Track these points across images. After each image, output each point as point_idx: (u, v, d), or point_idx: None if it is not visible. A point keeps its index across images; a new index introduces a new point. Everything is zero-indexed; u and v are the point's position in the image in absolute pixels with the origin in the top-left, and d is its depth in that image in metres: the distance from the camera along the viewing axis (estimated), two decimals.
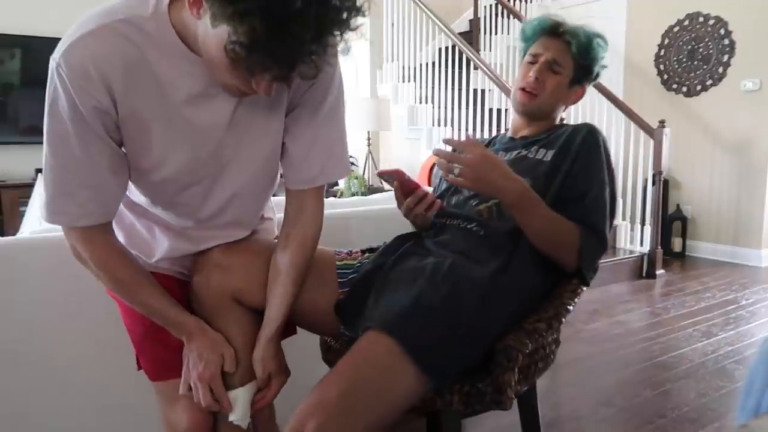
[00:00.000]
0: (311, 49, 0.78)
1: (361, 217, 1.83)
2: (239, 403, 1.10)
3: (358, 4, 0.82)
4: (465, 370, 1.07)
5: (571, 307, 1.22)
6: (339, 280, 1.23)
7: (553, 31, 1.36)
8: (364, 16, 0.83)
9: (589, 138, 1.28)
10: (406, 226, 1.45)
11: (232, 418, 1.10)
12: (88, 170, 0.94)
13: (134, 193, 1.09)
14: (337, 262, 1.26)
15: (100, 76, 0.87)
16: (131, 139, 0.96)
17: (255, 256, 1.15)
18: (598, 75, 1.40)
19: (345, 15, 0.80)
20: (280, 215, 1.29)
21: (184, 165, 1.00)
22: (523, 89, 1.37)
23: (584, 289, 1.28)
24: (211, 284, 1.11)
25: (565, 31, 1.35)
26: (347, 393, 0.96)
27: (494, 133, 1.57)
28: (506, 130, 1.49)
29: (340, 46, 0.85)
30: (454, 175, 1.14)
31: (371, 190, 4.51)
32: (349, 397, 0.96)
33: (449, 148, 1.20)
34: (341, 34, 0.81)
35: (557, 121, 1.42)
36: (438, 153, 1.19)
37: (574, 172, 1.25)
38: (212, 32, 0.80)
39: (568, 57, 1.35)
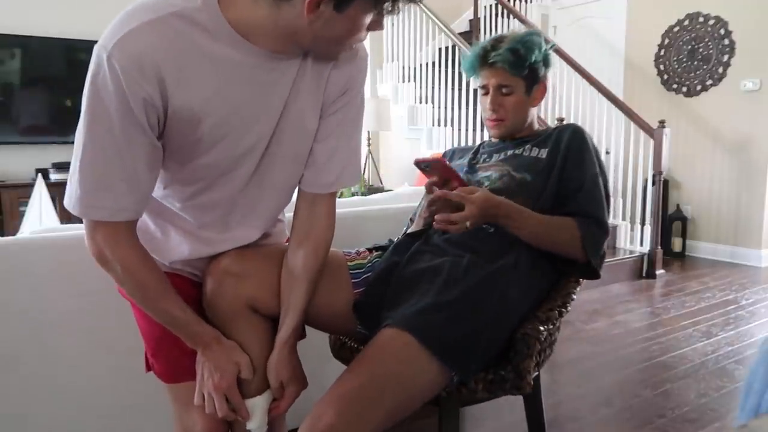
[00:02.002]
0: None
1: (361, 217, 1.83)
2: (257, 411, 1.10)
3: None
4: (487, 360, 1.13)
5: (575, 296, 1.33)
6: (353, 280, 1.25)
7: (484, 61, 1.40)
8: None
9: (575, 136, 1.36)
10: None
11: (250, 426, 1.10)
12: (127, 163, 0.92)
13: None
14: (348, 263, 1.28)
15: (154, 69, 0.87)
16: (178, 133, 0.95)
17: (268, 262, 1.15)
18: (547, 64, 1.43)
19: None
20: (290, 215, 1.29)
21: (228, 153, 1.00)
22: (488, 119, 1.44)
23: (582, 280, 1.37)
24: (225, 293, 1.11)
25: (492, 57, 1.38)
26: (366, 384, 0.99)
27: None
28: (490, 137, 1.54)
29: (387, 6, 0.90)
30: (467, 227, 1.21)
31: (371, 190, 4.51)
32: (368, 388, 0.99)
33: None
34: None
35: (537, 124, 1.48)
36: (442, 219, 1.20)
37: (567, 169, 1.33)
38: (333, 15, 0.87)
39: (509, 75, 1.39)
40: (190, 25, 0.89)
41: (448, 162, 1.31)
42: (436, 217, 1.21)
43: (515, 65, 1.37)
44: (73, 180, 0.92)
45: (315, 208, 1.13)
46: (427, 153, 4.75)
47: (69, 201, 0.94)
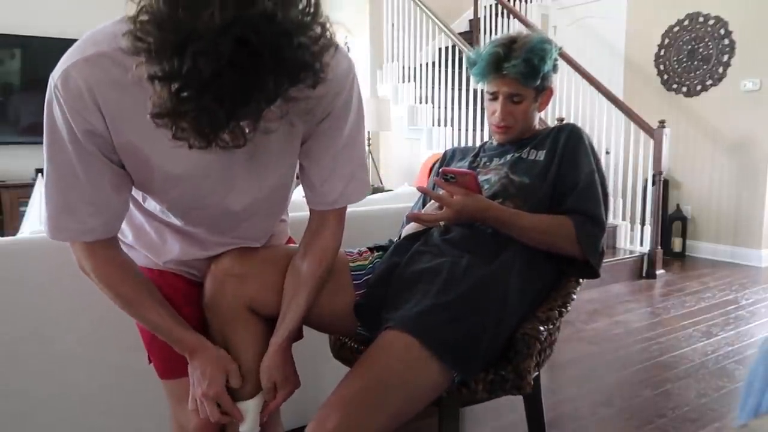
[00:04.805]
0: (231, 119, 0.69)
1: (361, 217, 1.83)
2: (249, 414, 1.10)
3: (309, 60, 0.69)
4: (488, 360, 1.13)
5: (575, 296, 1.32)
6: (354, 282, 1.25)
7: (496, 69, 1.37)
8: (321, 73, 0.71)
9: (572, 135, 1.36)
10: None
11: (242, 429, 1.10)
12: (89, 188, 0.92)
13: (145, 199, 1.08)
14: (350, 264, 1.28)
15: (94, 103, 0.86)
16: (132, 167, 0.95)
17: (270, 264, 1.15)
18: (555, 70, 1.42)
19: (284, 79, 0.69)
20: (293, 214, 1.30)
21: (188, 192, 0.99)
22: (496, 126, 1.42)
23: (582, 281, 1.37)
24: (226, 294, 1.11)
25: (506, 68, 1.34)
26: (370, 386, 1.00)
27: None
28: (491, 138, 1.54)
29: (278, 112, 0.73)
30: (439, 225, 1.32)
31: (371, 190, 4.51)
32: (371, 390, 0.99)
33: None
34: (283, 98, 0.70)
35: (537, 124, 1.47)
36: (414, 216, 1.33)
37: (563, 168, 1.33)
38: None
39: (521, 85, 1.37)
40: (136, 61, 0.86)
41: (477, 176, 1.30)
42: (407, 213, 1.32)
43: (529, 76, 1.35)
44: (44, 202, 0.95)
45: (322, 221, 1.12)
46: (428, 153, 4.75)
47: (43, 222, 0.97)
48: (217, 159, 0.95)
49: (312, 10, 0.69)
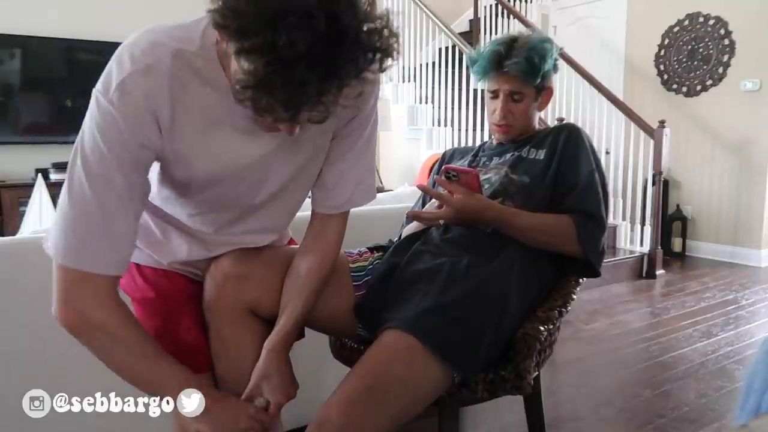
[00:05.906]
0: (319, 93, 0.74)
1: (362, 217, 1.83)
2: None
3: (381, 45, 0.76)
4: (488, 360, 1.13)
5: (575, 296, 1.32)
6: (354, 283, 1.25)
7: (498, 67, 1.38)
8: (391, 57, 0.78)
9: (571, 135, 1.37)
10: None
11: None
12: (120, 212, 0.90)
13: (153, 197, 1.07)
14: (350, 265, 1.28)
15: (152, 113, 0.87)
16: (170, 175, 0.96)
17: (271, 265, 1.14)
18: (555, 70, 1.43)
19: (362, 59, 0.75)
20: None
21: (223, 194, 1.01)
22: (497, 124, 1.43)
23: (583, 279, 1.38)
24: (227, 296, 1.10)
25: (508, 65, 1.35)
26: (372, 387, 0.99)
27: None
28: (490, 138, 1.55)
29: (357, 90, 0.79)
30: (439, 224, 1.33)
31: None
32: (374, 391, 0.99)
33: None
34: (357, 78, 0.76)
35: (537, 124, 1.48)
36: (413, 214, 1.37)
37: (563, 168, 1.33)
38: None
39: (522, 83, 1.38)
40: (185, 69, 0.87)
41: (479, 175, 1.30)
42: (407, 212, 1.35)
43: (530, 74, 1.36)
44: (60, 226, 0.89)
45: (325, 224, 1.12)
46: (428, 153, 4.74)
47: (56, 250, 0.90)
48: (252, 164, 0.97)
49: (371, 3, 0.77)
